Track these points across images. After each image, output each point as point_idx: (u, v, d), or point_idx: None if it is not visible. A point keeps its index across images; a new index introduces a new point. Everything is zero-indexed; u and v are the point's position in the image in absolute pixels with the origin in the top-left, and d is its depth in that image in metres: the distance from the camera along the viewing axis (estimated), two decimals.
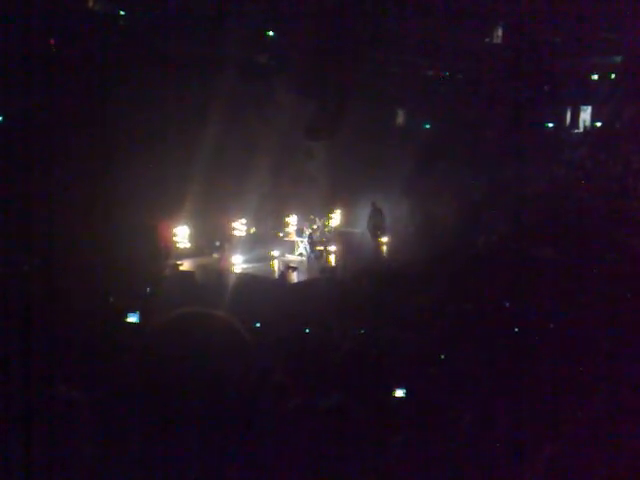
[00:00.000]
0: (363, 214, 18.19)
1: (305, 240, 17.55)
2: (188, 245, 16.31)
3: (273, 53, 17.75)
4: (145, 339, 2.00)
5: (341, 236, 18.16)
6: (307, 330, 7.24)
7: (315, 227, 17.86)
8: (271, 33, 18.08)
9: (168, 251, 15.83)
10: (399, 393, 4.74)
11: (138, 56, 14.98)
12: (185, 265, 15.66)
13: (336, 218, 18.77)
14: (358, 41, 17.86)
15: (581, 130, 21.36)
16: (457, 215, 18.39)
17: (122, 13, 16.59)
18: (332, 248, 17.45)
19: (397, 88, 18.29)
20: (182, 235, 16.25)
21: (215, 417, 1.92)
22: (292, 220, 17.89)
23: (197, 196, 15.05)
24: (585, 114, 21.26)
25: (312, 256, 16.96)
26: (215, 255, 16.54)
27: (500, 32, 20.55)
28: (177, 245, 16.19)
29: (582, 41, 19.58)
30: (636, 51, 19.54)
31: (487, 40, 20.49)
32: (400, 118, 19.55)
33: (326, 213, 18.42)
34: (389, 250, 17.78)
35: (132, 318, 6.62)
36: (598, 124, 21.32)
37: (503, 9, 19.71)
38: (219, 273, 15.15)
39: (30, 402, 2.21)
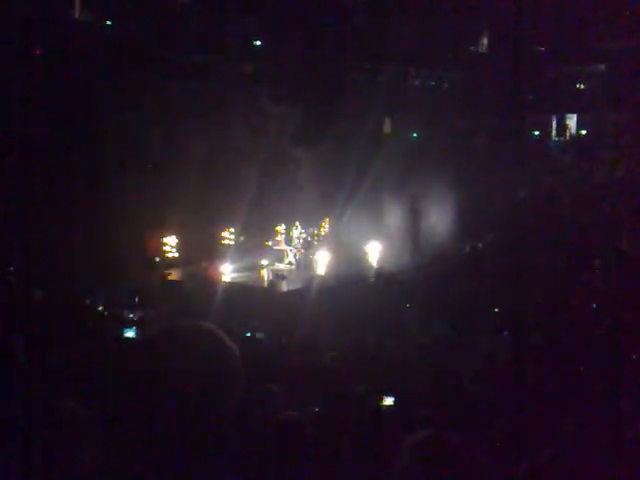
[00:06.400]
0: (352, 222, 18.23)
1: (293, 248, 17.59)
2: (177, 254, 16.27)
3: (260, 62, 17.80)
4: (134, 351, 2.01)
5: (330, 244, 18.18)
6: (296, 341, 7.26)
7: (304, 236, 17.88)
8: (258, 42, 18.14)
9: (157, 261, 15.78)
10: (388, 401, 4.75)
11: (125, 66, 14.98)
12: (173, 274, 15.62)
13: (325, 227, 18.80)
14: (345, 50, 17.97)
15: (567, 138, 21.59)
16: (444, 222, 18.50)
17: (109, 23, 16.58)
18: (321, 256, 17.47)
19: (384, 97, 18.40)
20: (171, 245, 16.21)
21: (204, 429, 1.93)
22: (281, 229, 17.90)
23: (185, 205, 15.02)
24: (570, 122, 21.49)
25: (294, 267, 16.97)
26: (204, 264, 16.50)
27: (486, 41, 20.73)
28: (166, 255, 16.14)
29: (567, 50, 19.82)
30: (620, 59, 19.80)
31: (473, 49, 20.67)
32: (387, 127, 19.65)
33: (315, 222, 18.44)
34: (378, 258, 17.83)
35: (129, 333, 6.53)
36: (583, 132, 21.56)
37: (489, 18, 19.91)
38: (208, 282, 15.11)
39: (27, 415, 2.22)
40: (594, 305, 11.20)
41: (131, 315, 10.66)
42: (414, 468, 2.58)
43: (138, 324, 8.82)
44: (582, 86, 21.54)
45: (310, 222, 18.23)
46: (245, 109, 16.84)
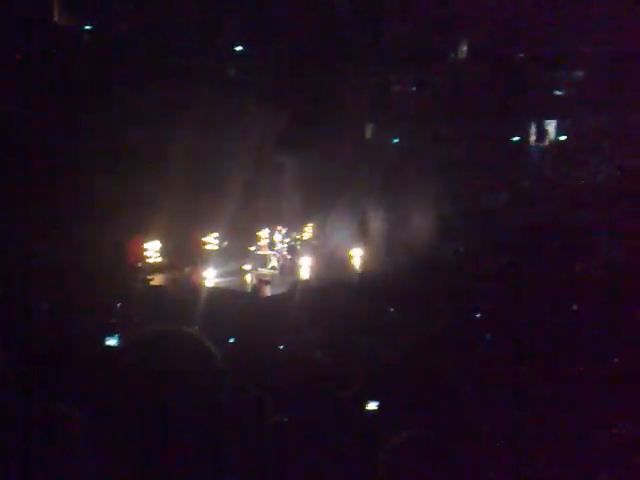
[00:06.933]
0: (335, 227, 18.29)
1: (276, 253, 17.63)
2: (160, 260, 16.21)
3: (244, 68, 17.82)
4: (117, 356, 2.02)
5: (313, 249, 18.23)
6: (281, 346, 7.26)
7: (287, 240, 17.93)
8: (241, 48, 18.16)
9: (138, 266, 15.70)
10: (372, 406, 4.76)
11: (106, 70, 14.92)
12: (157, 280, 15.54)
13: (308, 231, 18.85)
14: (329, 57, 18.06)
15: (547, 143, 21.85)
16: (427, 227, 18.60)
17: (88, 27, 16.51)
18: (304, 261, 17.52)
19: (366, 103, 18.52)
20: (154, 250, 16.14)
21: (190, 437, 1.94)
22: (264, 234, 17.91)
23: (169, 211, 14.97)
24: (550, 128, 21.77)
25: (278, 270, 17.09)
26: (187, 269, 16.45)
27: (465, 47, 20.94)
28: (148, 260, 16.07)
29: (547, 56, 20.10)
30: (598, 66, 20.13)
31: (453, 55, 20.86)
32: (369, 132, 19.77)
33: (298, 226, 18.48)
34: (361, 262, 17.90)
35: (111, 341, 6.45)
36: (562, 138, 21.84)
37: (469, 25, 20.13)
38: (191, 288, 15.05)
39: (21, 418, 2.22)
40: (575, 307, 11.34)
41: (114, 320, 10.59)
42: (397, 468, 2.61)
43: (120, 330, 8.77)
44: (561, 92, 21.83)
45: (293, 227, 18.27)
46: (229, 115, 16.84)
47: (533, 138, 21.72)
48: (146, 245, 16.06)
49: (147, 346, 1.87)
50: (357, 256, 18.11)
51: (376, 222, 19.10)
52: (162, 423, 1.77)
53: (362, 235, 18.50)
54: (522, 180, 19.99)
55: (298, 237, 18.46)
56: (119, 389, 1.82)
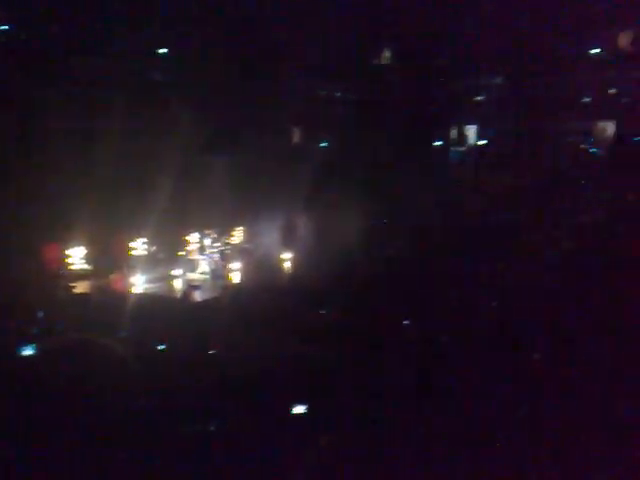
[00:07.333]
0: (266, 231, 18.28)
1: (206, 258, 17.43)
2: (86, 266, 15.71)
3: (168, 70, 17.55)
4: (33, 368, 1.98)
5: (244, 253, 18.16)
6: (211, 351, 7.22)
7: (217, 245, 17.77)
8: (164, 50, 17.88)
9: (59, 273, 15.19)
10: (300, 409, 4.81)
11: (25, 69, 14.40)
12: (80, 287, 15.05)
13: (239, 235, 18.76)
14: (254, 59, 18.05)
15: (466, 148, 22.57)
16: (357, 230, 18.86)
17: (5, 28, 15.87)
18: (234, 265, 17.41)
19: (294, 107, 18.63)
20: (77, 256, 15.64)
21: (104, 443, 1.93)
22: (194, 239, 17.69)
23: (93, 215, 14.53)
24: (469, 132, 22.51)
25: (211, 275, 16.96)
26: (112, 276, 16.01)
27: (388, 54, 21.34)
28: (71, 267, 15.55)
29: (466, 62, 20.76)
30: (517, 72, 20.96)
31: (375, 61, 21.23)
32: (297, 136, 19.86)
33: (228, 230, 18.36)
34: (292, 266, 17.96)
35: (27, 351, 6.24)
36: (482, 142, 22.62)
37: (391, 31, 20.54)
38: (117, 294, 14.68)
39: None
40: (494, 303, 11.76)
41: (34, 330, 10.21)
42: (317, 471, 2.66)
43: (40, 339, 8.47)
44: (481, 98, 22.58)
45: (223, 231, 18.14)
46: (155, 116, 16.54)
47: (453, 142, 22.42)
48: (69, 251, 15.55)
49: (60, 355, 1.85)
50: (288, 259, 18.16)
51: (307, 225, 19.21)
52: (75, 430, 1.75)
53: (293, 238, 18.56)
54: (447, 183, 20.57)
55: (229, 241, 18.33)
56: (33, 397, 1.80)
